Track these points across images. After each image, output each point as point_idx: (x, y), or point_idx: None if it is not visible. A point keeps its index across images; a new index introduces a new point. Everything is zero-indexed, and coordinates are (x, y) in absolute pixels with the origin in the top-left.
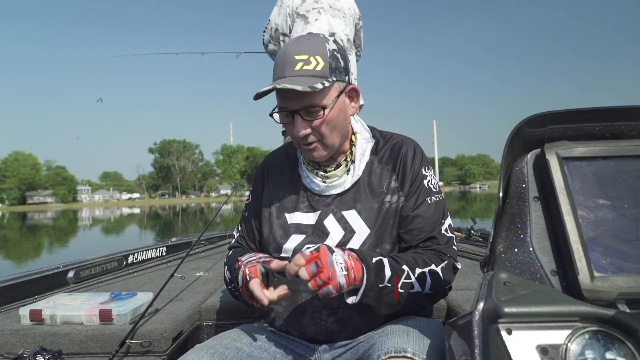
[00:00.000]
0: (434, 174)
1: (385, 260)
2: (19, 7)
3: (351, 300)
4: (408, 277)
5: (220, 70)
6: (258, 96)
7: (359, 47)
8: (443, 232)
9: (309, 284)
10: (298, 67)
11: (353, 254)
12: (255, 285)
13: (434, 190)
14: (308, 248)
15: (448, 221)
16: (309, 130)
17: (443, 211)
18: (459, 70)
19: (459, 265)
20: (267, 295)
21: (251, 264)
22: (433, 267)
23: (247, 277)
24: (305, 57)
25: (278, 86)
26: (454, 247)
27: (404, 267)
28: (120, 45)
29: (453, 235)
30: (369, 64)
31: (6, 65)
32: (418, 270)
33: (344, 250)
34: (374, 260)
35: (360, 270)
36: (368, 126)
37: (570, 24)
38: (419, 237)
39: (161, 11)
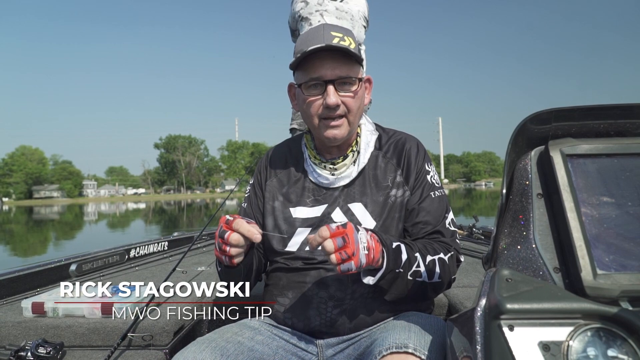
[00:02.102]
0: (439, 171)
1: (403, 247)
2: (26, 2)
3: (368, 280)
4: (418, 265)
5: (225, 67)
6: (302, 57)
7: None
8: (447, 225)
9: (333, 257)
10: (335, 40)
11: (375, 235)
12: (241, 220)
13: (436, 185)
14: (335, 223)
15: (451, 215)
16: (340, 101)
17: (446, 205)
18: (464, 68)
19: (462, 259)
20: (250, 227)
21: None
22: (441, 255)
23: (228, 217)
24: (340, 34)
25: (332, 43)
26: (457, 240)
27: (417, 254)
28: (128, 41)
29: (456, 229)
30: (373, 62)
31: (13, 60)
32: (429, 258)
33: (366, 230)
34: (394, 245)
35: (380, 252)
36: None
37: (571, 24)
38: (424, 230)
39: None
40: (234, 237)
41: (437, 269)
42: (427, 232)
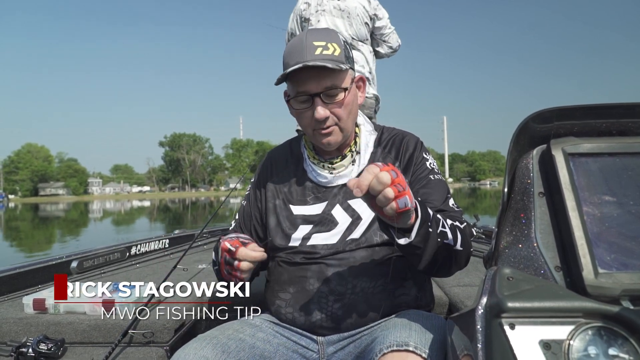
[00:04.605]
0: (444, 170)
1: (425, 203)
2: (31, 1)
3: (404, 240)
4: (444, 226)
5: (230, 65)
6: (284, 77)
7: (384, 42)
8: (451, 205)
9: (389, 190)
10: (318, 51)
11: None
12: (244, 249)
13: (436, 170)
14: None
15: (451, 198)
16: (328, 113)
17: (447, 188)
18: (468, 67)
19: (474, 232)
20: (256, 254)
21: (230, 238)
22: (457, 223)
23: (230, 247)
24: (323, 43)
25: (309, 63)
26: (463, 217)
27: (438, 215)
28: (133, 39)
29: (461, 209)
30: (377, 61)
31: (18, 59)
32: (449, 222)
33: None
34: (417, 198)
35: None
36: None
37: (572, 24)
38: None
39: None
40: (245, 265)
41: (459, 235)
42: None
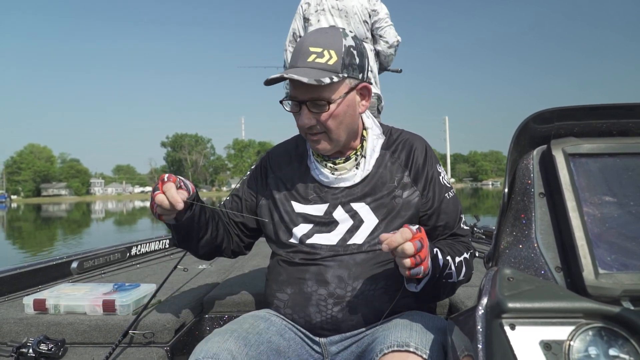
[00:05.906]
0: (446, 170)
1: (439, 252)
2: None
3: (412, 287)
4: (450, 268)
5: (231, 65)
6: (268, 82)
7: (380, 37)
8: (462, 226)
9: (408, 261)
10: (310, 58)
11: None
12: (171, 188)
13: (448, 186)
14: (413, 226)
15: (462, 215)
16: (313, 122)
17: (459, 206)
18: (470, 68)
19: (476, 254)
20: (178, 197)
21: (175, 176)
22: (465, 255)
23: (165, 178)
24: (319, 49)
25: (285, 75)
26: (470, 238)
27: (448, 257)
28: (135, 39)
29: (469, 227)
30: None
31: (21, 59)
32: (457, 259)
33: None
34: (434, 251)
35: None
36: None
37: (572, 24)
38: (444, 232)
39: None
40: (158, 198)
41: (463, 269)
42: (447, 235)
